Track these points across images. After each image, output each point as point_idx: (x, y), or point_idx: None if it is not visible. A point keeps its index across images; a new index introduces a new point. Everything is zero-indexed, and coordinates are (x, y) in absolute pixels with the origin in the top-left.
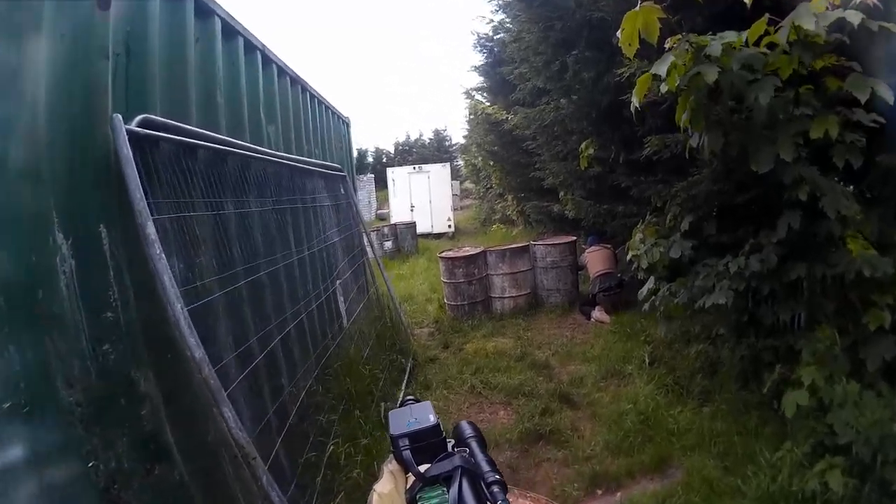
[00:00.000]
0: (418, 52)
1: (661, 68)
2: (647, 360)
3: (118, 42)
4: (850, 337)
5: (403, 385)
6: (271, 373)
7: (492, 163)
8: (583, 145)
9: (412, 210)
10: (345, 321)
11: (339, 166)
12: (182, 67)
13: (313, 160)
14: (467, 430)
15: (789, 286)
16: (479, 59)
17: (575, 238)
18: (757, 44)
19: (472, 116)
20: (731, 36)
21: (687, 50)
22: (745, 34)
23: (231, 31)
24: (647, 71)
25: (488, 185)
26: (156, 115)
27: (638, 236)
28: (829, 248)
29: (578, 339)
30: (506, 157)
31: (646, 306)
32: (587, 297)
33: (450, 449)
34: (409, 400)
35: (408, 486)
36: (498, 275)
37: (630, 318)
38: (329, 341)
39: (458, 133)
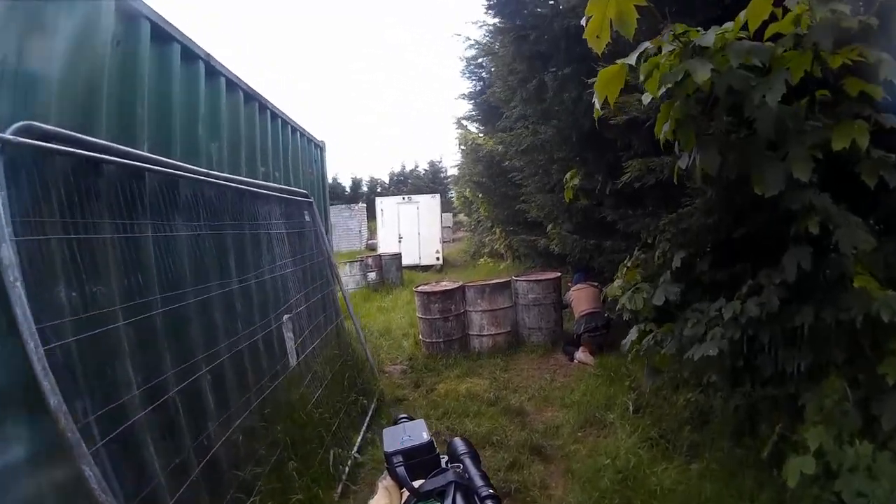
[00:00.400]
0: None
1: (633, 57)
2: (630, 408)
3: (7, 41)
4: (862, 390)
5: (363, 429)
6: (191, 416)
7: (480, 194)
8: (567, 175)
9: (400, 241)
10: (292, 359)
11: (304, 191)
12: (92, 73)
13: (269, 184)
14: (461, 447)
15: (792, 332)
16: (467, 85)
17: (559, 274)
18: (759, 36)
19: (462, 147)
20: (726, 27)
21: (672, 51)
22: (743, 15)
23: (164, 35)
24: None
25: (479, 218)
26: (48, 125)
27: (617, 282)
28: (838, 288)
29: (559, 381)
30: (493, 189)
31: (629, 355)
32: (571, 336)
33: (443, 465)
34: (403, 418)
35: (402, 502)
36: (477, 311)
37: (615, 360)
38: (268, 382)
39: (452, 164)
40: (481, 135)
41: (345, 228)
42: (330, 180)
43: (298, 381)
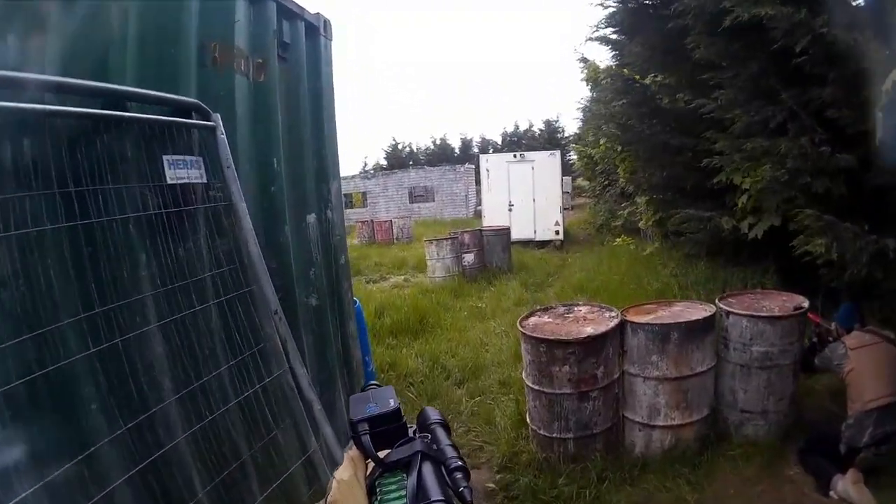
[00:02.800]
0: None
1: None
2: None
3: None
4: None
5: None
6: None
7: (619, 148)
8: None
9: (510, 209)
10: None
11: (164, 97)
12: None
13: None
14: (431, 416)
15: None
16: None
17: (806, 303)
18: None
19: (590, 84)
20: None
21: None
22: None
23: None
24: None
25: (606, 181)
26: None
27: None
28: None
29: None
30: (644, 136)
31: None
32: (825, 439)
33: (411, 434)
34: (372, 384)
35: (368, 473)
36: (648, 379)
37: None
38: None
39: (571, 123)
40: (616, 64)
41: (449, 193)
42: (438, 140)
43: None
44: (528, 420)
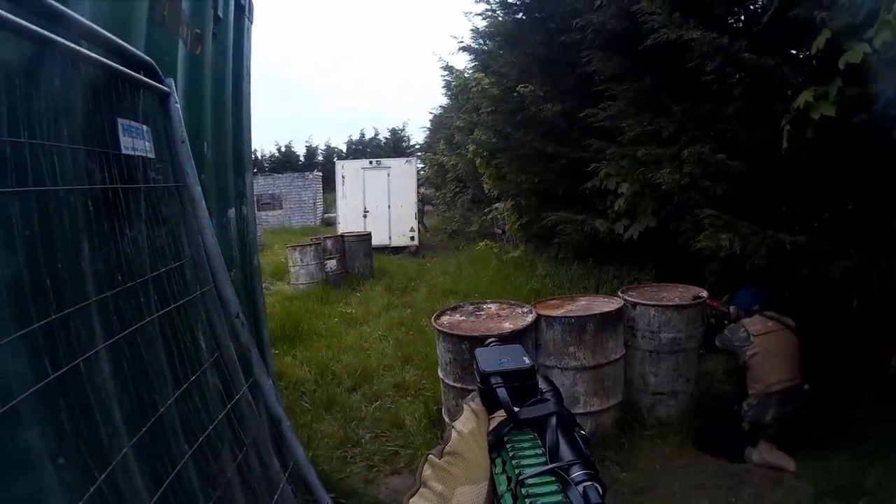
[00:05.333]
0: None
1: None
2: None
3: None
4: None
5: None
6: None
7: (485, 153)
8: (802, 98)
9: (365, 216)
10: None
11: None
12: None
13: None
14: (544, 385)
15: None
16: None
17: (704, 293)
18: None
19: (453, 92)
20: None
21: None
22: None
23: None
24: None
25: (457, 189)
26: None
27: None
28: None
29: None
30: (519, 143)
31: None
32: (727, 418)
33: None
34: (494, 341)
35: (491, 428)
36: (566, 369)
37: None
38: None
39: (417, 133)
40: (483, 75)
41: (297, 200)
42: (283, 147)
43: None
44: (447, 419)
